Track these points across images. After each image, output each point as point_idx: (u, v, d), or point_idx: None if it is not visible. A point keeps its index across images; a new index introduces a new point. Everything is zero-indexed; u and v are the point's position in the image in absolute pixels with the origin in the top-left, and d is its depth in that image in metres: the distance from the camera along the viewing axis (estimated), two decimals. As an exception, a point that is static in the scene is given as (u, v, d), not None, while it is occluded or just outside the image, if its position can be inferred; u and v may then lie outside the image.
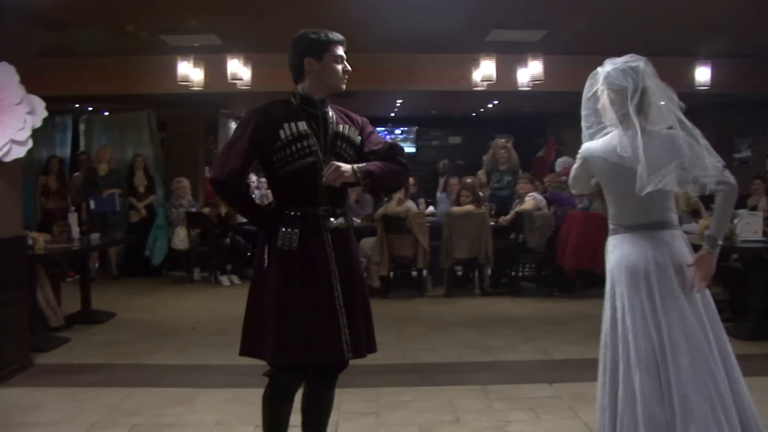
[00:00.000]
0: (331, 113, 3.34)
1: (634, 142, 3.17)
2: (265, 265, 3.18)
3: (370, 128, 3.49)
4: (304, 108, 3.26)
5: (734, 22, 7.84)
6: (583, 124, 3.42)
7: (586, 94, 3.38)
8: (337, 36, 3.28)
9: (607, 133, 3.34)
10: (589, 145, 3.38)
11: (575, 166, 3.51)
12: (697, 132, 3.24)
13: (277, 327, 3.09)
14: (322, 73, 3.25)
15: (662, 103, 3.30)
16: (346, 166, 3.12)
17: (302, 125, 3.19)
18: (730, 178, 3.20)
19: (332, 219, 3.23)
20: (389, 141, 3.49)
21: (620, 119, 3.26)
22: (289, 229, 3.12)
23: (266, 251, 3.19)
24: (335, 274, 3.17)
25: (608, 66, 3.34)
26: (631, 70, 3.29)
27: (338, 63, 3.28)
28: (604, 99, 3.31)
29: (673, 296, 3.17)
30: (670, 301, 3.16)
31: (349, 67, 3.33)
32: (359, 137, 3.39)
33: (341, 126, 3.34)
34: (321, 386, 3.34)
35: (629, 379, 3.17)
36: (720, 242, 3.19)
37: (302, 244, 3.13)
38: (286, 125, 3.16)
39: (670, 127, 3.24)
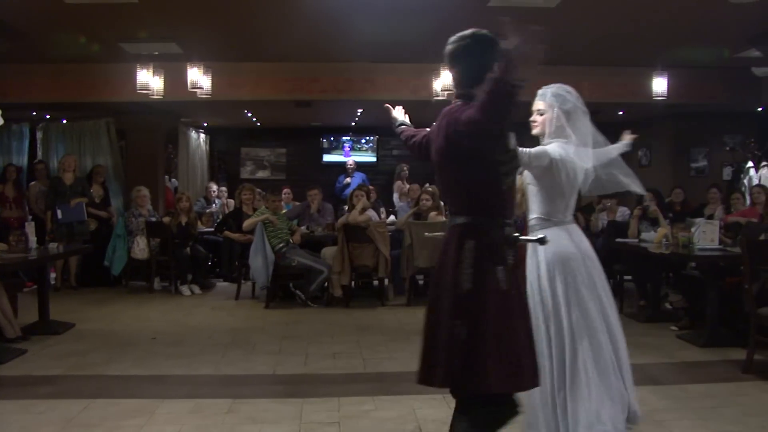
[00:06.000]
0: None
1: (577, 151, 3.84)
2: None
3: None
4: None
5: (690, 34, 8.01)
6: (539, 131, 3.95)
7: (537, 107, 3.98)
8: None
9: (550, 142, 3.91)
10: (560, 149, 3.82)
11: (542, 158, 3.82)
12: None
13: None
14: None
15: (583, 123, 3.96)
16: None
17: None
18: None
19: None
20: None
21: (557, 133, 3.90)
22: None
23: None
24: None
25: (554, 88, 3.97)
26: (568, 94, 3.95)
27: None
28: (552, 115, 3.92)
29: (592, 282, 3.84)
30: (590, 285, 3.83)
31: None
32: None
33: None
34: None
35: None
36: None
37: None
38: None
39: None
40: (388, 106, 4.06)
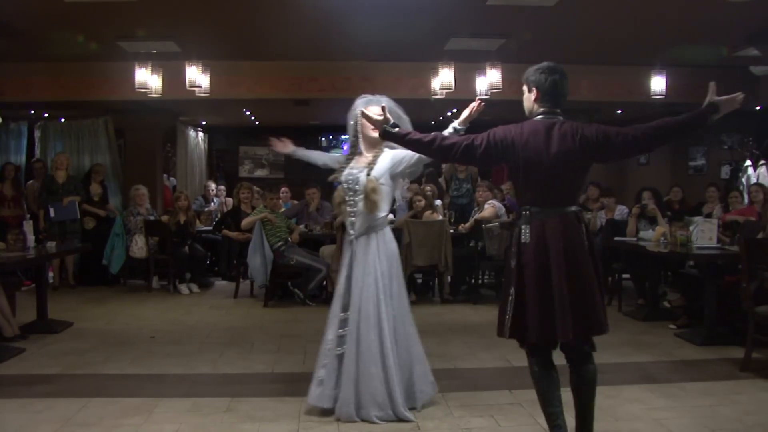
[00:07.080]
0: None
1: None
2: None
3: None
4: None
5: (689, 32, 8.01)
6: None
7: None
8: None
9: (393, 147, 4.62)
10: None
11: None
12: None
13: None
14: None
15: None
16: None
17: None
18: None
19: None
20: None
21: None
22: None
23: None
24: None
25: (387, 99, 4.57)
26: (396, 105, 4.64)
27: None
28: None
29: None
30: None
31: None
32: None
33: None
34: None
35: None
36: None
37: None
38: None
39: None
40: (367, 109, 4.35)
